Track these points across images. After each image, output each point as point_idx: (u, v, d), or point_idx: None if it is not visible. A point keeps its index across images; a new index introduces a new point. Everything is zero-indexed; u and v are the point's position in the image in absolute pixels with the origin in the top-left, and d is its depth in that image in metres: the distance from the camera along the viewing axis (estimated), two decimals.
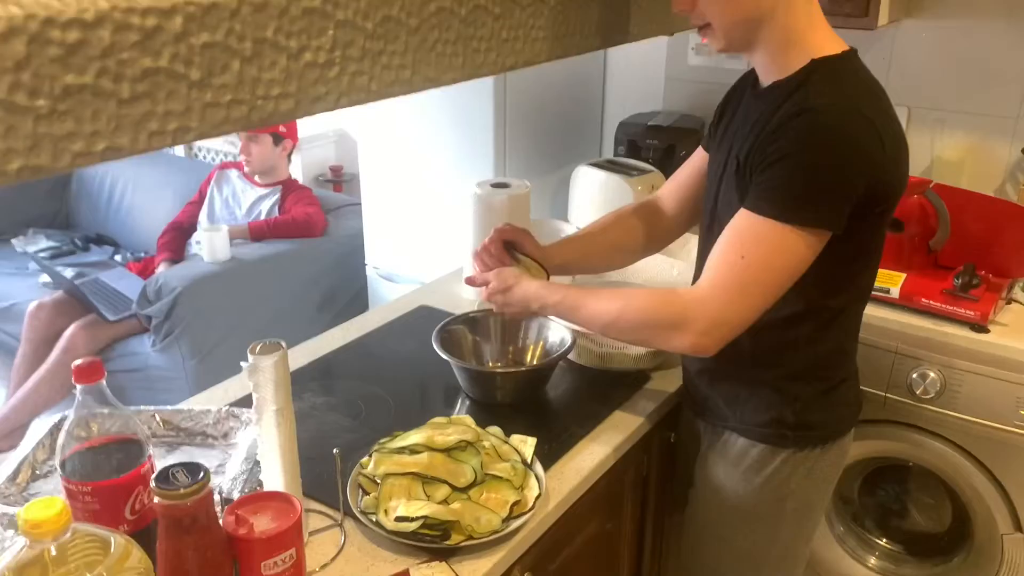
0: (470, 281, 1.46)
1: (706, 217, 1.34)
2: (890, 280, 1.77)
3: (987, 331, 1.68)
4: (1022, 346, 1.63)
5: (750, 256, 1.13)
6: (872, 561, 1.95)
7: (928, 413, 1.73)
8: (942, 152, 2.09)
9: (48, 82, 0.60)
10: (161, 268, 3.06)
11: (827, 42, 1.17)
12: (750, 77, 1.29)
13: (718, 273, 1.16)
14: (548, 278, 1.43)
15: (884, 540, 1.97)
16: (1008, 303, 1.79)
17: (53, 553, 0.71)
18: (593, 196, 2.25)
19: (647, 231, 1.52)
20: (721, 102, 1.38)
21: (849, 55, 1.18)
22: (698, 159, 1.46)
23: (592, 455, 1.33)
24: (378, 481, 1.16)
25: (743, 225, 1.14)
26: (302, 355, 1.63)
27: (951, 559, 1.86)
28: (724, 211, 1.24)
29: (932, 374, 1.70)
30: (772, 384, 1.30)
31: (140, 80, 0.65)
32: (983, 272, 1.74)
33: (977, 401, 1.68)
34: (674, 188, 1.51)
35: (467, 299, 1.88)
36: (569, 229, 2.14)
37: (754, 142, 1.16)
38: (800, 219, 1.10)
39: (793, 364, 1.29)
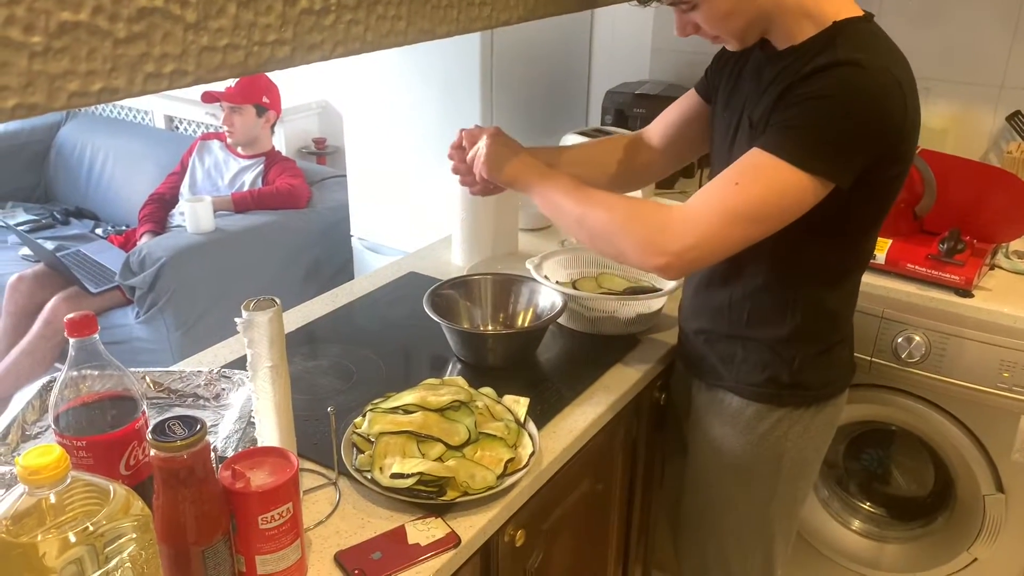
0: (455, 169, 1.42)
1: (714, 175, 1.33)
2: (876, 246, 1.78)
3: (971, 296, 1.70)
4: (1005, 310, 1.65)
5: (746, 185, 1.09)
6: (856, 524, 1.98)
7: (913, 377, 1.75)
8: (927, 121, 2.07)
9: (43, 17, 0.59)
10: (144, 240, 3.03)
11: (844, 6, 1.14)
12: None
13: (709, 196, 1.12)
14: None
15: (868, 504, 2.00)
16: (992, 268, 1.81)
17: (52, 501, 0.70)
18: None
19: (628, 163, 1.49)
20: (722, 51, 1.33)
21: (870, 18, 1.15)
22: (689, 100, 1.43)
23: (584, 415, 1.34)
24: (372, 440, 1.16)
25: (749, 159, 1.11)
26: (291, 320, 1.62)
27: (933, 521, 1.90)
28: None
29: (917, 338, 1.72)
30: (768, 344, 1.30)
31: (136, 20, 0.64)
32: (968, 237, 1.76)
33: (961, 364, 1.70)
34: (662, 126, 1.49)
35: (456, 266, 1.88)
36: None
37: (775, 99, 1.12)
38: (809, 165, 1.07)
39: (791, 325, 1.27)
